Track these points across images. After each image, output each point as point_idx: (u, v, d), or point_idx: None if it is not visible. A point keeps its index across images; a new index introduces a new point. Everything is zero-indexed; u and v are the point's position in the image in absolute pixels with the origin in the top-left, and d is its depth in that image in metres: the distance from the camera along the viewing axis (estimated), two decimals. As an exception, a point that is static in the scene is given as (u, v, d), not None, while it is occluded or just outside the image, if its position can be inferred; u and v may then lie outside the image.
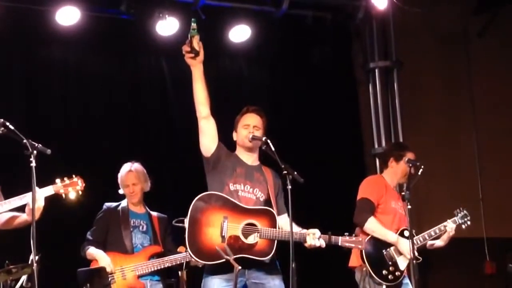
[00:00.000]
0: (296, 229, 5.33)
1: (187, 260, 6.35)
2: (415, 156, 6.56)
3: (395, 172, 6.64)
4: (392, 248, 6.35)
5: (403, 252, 6.30)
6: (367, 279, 6.32)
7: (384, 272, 6.30)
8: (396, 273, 6.33)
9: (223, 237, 5.17)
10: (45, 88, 7.90)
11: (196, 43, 5.28)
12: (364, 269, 6.30)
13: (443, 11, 9.39)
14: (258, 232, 5.25)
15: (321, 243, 5.32)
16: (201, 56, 5.34)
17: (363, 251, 6.19)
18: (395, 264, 6.34)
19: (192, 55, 5.30)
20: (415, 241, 6.31)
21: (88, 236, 6.59)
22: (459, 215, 6.77)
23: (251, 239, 5.24)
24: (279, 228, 5.24)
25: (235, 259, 5.07)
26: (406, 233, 6.39)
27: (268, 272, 5.34)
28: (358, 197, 6.49)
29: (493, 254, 9.09)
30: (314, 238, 5.29)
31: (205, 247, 5.15)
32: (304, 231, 5.34)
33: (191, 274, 6.36)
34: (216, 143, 5.41)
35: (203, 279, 5.32)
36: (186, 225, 5.20)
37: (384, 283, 6.29)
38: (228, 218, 5.21)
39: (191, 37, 5.27)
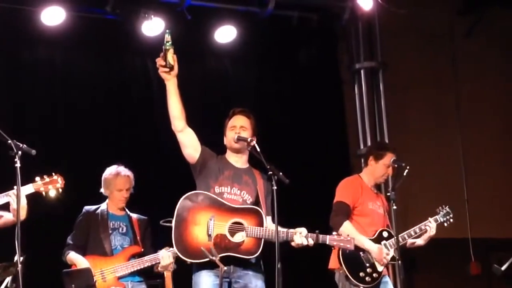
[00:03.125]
0: (282, 229, 5.34)
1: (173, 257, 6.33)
2: (396, 156, 6.56)
3: (373, 171, 6.63)
4: None
5: (376, 261, 6.31)
6: (345, 281, 6.33)
7: (361, 274, 6.29)
8: (374, 275, 6.31)
9: (209, 235, 5.18)
10: (30, 88, 7.86)
11: (171, 57, 5.18)
12: (341, 271, 6.31)
13: (429, 12, 9.42)
14: (244, 231, 5.26)
15: (309, 241, 5.34)
16: (175, 70, 5.25)
17: (340, 253, 6.20)
18: (372, 266, 6.33)
19: (167, 69, 5.21)
20: (394, 241, 6.31)
21: (69, 240, 6.56)
22: (441, 213, 6.76)
23: (238, 238, 5.26)
24: (266, 228, 5.24)
25: (221, 258, 5.10)
26: (385, 234, 6.44)
27: (252, 272, 5.36)
28: (334, 200, 6.49)
29: (478, 255, 9.11)
30: (301, 236, 5.31)
31: (191, 245, 5.17)
32: (291, 230, 5.35)
33: (176, 275, 6.34)
34: (199, 150, 5.42)
35: (193, 276, 5.33)
36: (173, 224, 5.20)
37: (361, 285, 6.28)
38: (215, 216, 5.22)
39: (165, 50, 5.16)
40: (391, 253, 6.37)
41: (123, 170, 6.68)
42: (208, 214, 5.23)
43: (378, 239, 6.40)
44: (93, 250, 6.49)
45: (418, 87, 9.44)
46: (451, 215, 6.80)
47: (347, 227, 6.23)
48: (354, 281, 6.27)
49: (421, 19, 9.38)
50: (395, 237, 6.23)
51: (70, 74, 8.12)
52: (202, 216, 5.22)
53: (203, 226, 5.20)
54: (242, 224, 5.27)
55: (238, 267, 5.31)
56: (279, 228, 5.33)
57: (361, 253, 6.30)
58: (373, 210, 6.52)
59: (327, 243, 5.49)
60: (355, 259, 6.26)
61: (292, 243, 5.36)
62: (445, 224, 6.78)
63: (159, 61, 5.19)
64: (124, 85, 8.41)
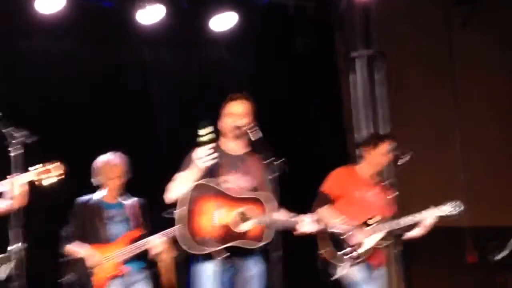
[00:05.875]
0: (287, 216, 5.34)
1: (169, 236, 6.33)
2: (392, 145, 6.63)
3: (369, 161, 6.71)
4: None
5: (350, 240, 6.35)
6: (326, 263, 6.41)
7: (339, 253, 6.35)
8: (354, 254, 6.36)
9: (215, 226, 5.17)
10: (26, 77, 7.83)
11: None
12: (321, 251, 6.37)
13: (426, 1, 9.40)
14: (249, 220, 5.26)
15: (313, 228, 5.35)
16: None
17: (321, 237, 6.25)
18: (353, 246, 6.37)
19: (214, 158, 5.16)
20: (382, 227, 6.41)
21: (63, 233, 6.55)
22: (441, 207, 6.74)
23: (243, 227, 5.25)
24: (271, 216, 5.24)
25: (227, 248, 5.13)
26: (372, 220, 6.47)
27: (255, 260, 5.38)
28: (319, 189, 6.63)
29: (475, 244, 9.12)
30: (305, 224, 5.31)
31: (196, 236, 5.15)
32: (295, 218, 5.36)
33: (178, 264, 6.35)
34: None
35: (194, 266, 5.33)
36: (177, 216, 5.19)
37: (340, 264, 6.33)
38: (220, 207, 5.21)
39: (204, 142, 5.14)
40: (376, 237, 6.41)
41: (113, 159, 6.65)
42: (213, 204, 5.22)
43: (364, 225, 6.45)
44: (90, 240, 6.47)
45: (414, 76, 9.43)
46: (453, 212, 6.75)
47: (320, 213, 6.31)
48: (333, 261, 6.34)
49: (418, 8, 9.37)
50: (384, 223, 6.38)
51: (66, 63, 8.09)
52: (207, 206, 5.22)
53: (209, 217, 5.20)
54: (247, 214, 5.27)
55: (240, 256, 5.32)
56: (283, 216, 5.36)
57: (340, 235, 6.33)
58: (361, 198, 6.59)
59: (328, 230, 5.53)
60: (334, 240, 6.30)
61: (296, 231, 5.37)
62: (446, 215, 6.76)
63: (200, 153, 5.13)
64: (120, 74, 8.38)
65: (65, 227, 6.56)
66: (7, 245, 5.78)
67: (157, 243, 6.35)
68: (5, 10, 7.65)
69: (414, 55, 9.48)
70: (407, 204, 6.80)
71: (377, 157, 6.66)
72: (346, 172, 6.74)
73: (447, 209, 6.69)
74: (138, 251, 6.40)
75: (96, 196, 6.64)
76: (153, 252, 6.39)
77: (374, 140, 6.85)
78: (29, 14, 7.73)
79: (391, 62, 9.32)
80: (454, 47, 9.50)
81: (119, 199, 6.69)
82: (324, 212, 6.39)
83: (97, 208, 6.57)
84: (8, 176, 5.08)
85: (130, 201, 6.72)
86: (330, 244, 6.36)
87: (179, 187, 5.27)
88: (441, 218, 6.71)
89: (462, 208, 6.70)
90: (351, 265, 6.37)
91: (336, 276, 6.36)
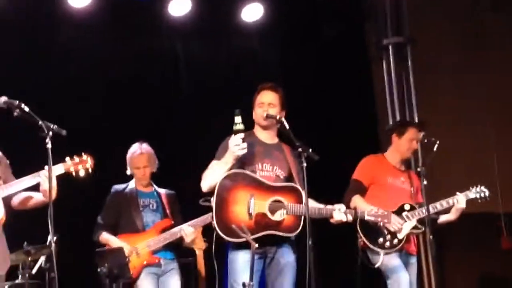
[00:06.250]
0: (320, 205, 5.37)
1: (204, 224, 6.39)
2: (419, 132, 6.68)
3: (397, 147, 6.75)
4: None
5: (389, 227, 6.33)
6: (365, 251, 6.43)
7: (380, 240, 6.36)
8: (394, 241, 6.38)
9: (250, 214, 5.22)
10: (59, 70, 7.89)
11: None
12: (360, 239, 6.36)
13: (457, -14, 9.33)
14: (284, 209, 5.27)
15: (348, 217, 5.38)
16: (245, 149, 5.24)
17: (358, 223, 6.25)
18: (392, 233, 6.38)
19: (244, 147, 5.21)
20: (417, 213, 6.44)
21: (99, 220, 6.64)
22: (474, 189, 6.74)
23: (278, 216, 5.28)
24: (304, 204, 5.24)
25: (262, 236, 5.16)
26: (407, 207, 6.50)
27: (287, 249, 5.40)
28: (351, 178, 6.66)
29: (509, 229, 9.05)
30: (340, 213, 5.35)
31: (231, 224, 5.17)
32: (329, 206, 5.38)
33: (207, 254, 6.38)
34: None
35: (229, 254, 5.37)
36: (213, 204, 5.23)
37: (381, 250, 6.34)
38: (255, 195, 5.25)
39: (237, 131, 5.21)
40: (412, 223, 6.43)
41: (140, 148, 6.74)
42: (248, 193, 5.26)
43: (399, 211, 6.46)
44: (125, 228, 6.57)
45: (446, 62, 9.35)
46: (486, 193, 6.74)
47: (355, 201, 6.36)
48: (374, 248, 6.36)
49: (447, -7, 9.30)
50: (418, 209, 6.42)
51: (97, 55, 8.13)
52: (242, 195, 5.26)
53: (244, 205, 5.23)
54: (282, 202, 5.29)
55: (274, 244, 5.35)
56: (318, 205, 5.40)
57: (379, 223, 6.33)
58: (393, 185, 6.63)
59: (365, 218, 5.55)
60: (373, 228, 6.29)
61: (331, 220, 5.41)
62: (479, 201, 6.75)
63: (236, 140, 5.17)
64: (151, 65, 8.42)
65: (99, 215, 6.65)
66: (44, 236, 5.90)
67: (189, 231, 6.42)
68: (39, 4, 7.73)
69: (445, 41, 9.40)
70: (439, 190, 6.78)
71: (404, 144, 6.70)
72: (376, 159, 6.77)
73: (477, 192, 6.69)
74: (171, 239, 6.47)
75: (131, 184, 6.73)
76: (187, 240, 6.46)
77: (400, 126, 6.93)
78: (62, 8, 7.82)
79: (422, 48, 9.25)
80: (485, 31, 9.40)
81: (154, 188, 6.77)
82: (358, 200, 6.40)
83: (133, 196, 6.67)
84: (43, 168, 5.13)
85: (164, 191, 6.80)
86: (368, 232, 6.36)
87: (214, 175, 5.30)
88: (474, 202, 6.71)
89: (487, 192, 6.70)
90: (389, 252, 6.37)
91: (376, 264, 6.36)
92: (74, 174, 5.46)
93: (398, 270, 6.35)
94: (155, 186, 6.81)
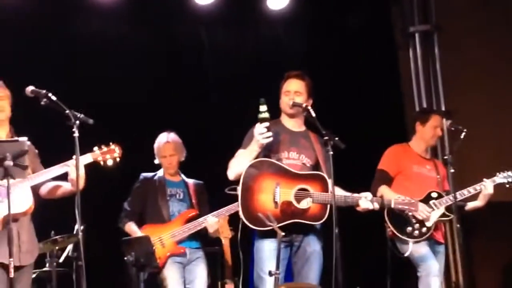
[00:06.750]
0: (346, 193, 5.35)
1: (230, 212, 6.40)
2: (441, 119, 6.80)
3: (422, 135, 6.76)
4: None
5: (417, 216, 6.31)
6: (394, 241, 6.42)
7: (409, 229, 6.36)
8: (423, 229, 6.38)
9: (275, 202, 5.23)
10: (84, 59, 7.92)
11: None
12: (388, 229, 6.36)
13: (483, -28, 9.23)
14: (310, 197, 5.27)
15: (375, 205, 5.37)
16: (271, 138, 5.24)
17: (386, 213, 6.27)
18: (420, 222, 6.37)
19: (270, 136, 5.21)
20: (444, 201, 6.44)
21: (126, 206, 6.67)
22: (501, 175, 6.70)
23: (304, 204, 5.28)
24: (330, 193, 5.23)
25: (288, 224, 5.15)
26: (434, 195, 6.50)
27: (313, 237, 5.39)
28: (377, 168, 6.67)
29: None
30: (367, 201, 5.34)
31: (257, 213, 5.18)
32: (356, 195, 5.37)
33: (233, 243, 6.38)
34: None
35: (255, 242, 5.38)
36: (239, 192, 5.23)
37: (409, 239, 6.34)
38: (281, 183, 5.25)
39: (263, 119, 5.21)
40: (440, 210, 6.42)
41: (165, 137, 6.78)
42: (274, 181, 5.26)
43: (426, 200, 6.45)
44: (151, 218, 6.59)
45: (473, 49, 9.25)
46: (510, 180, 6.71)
47: (381, 191, 6.36)
48: (402, 237, 6.33)
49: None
50: (445, 196, 6.41)
51: (122, 44, 8.16)
52: (267, 183, 5.26)
53: (269, 194, 5.23)
54: (308, 190, 5.28)
55: (300, 232, 5.35)
56: (345, 193, 5.38)
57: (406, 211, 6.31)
58: (419, 173, 6.62)
59: (392, 206, 5.53)
60: (401, 217, 6.28)
61: (358, 208, 5.41)
62: (507, 186, 6.70)
63: (261, 129, 5.17)
64: (177, 53, 8.43)
65: (125, 202, 6.67)
66: (71, 225, 5.94)
67: (213, 221, 6.43)
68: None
69: (472, 28, 9.30)
70: (467, 179, 6.74)
71: (428, 131, 6.70)
72: (401, 148, 6.76)
73: (504, 177, 6.65)
74: (195, 230, 6.49)
75: (160, 173, 6.76)
76: (210, 230, 6.47)
77: (424, 114, 6.94)
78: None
79: (450, 35, 9.18)
80: (511, 17, 9.30)
81: (181, 178, 6.79)
82: (385, 190, 6.38)
83: (161, 185, 6.71)
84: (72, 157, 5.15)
85: (192, 181, 6.82)
86: (396, 221, 6.34)
87: (240, 163, 5.31)
88: (502, 190, 6.67)
89: None
90: (418, 241, 6.35)
91: (405, 253, 6.35)
92: (102, 163, 5.48)
93: (428, 259, 6.34)
94: (183, 175, 6.84)
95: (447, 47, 9.16)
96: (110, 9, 7.94)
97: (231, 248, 6.49)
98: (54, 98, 5.00)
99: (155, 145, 6.83)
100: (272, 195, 5.23)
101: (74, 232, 6.35)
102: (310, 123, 5.49)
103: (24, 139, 5.18)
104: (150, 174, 6.78)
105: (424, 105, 8.93)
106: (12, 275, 4.81)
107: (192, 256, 6.58)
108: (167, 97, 8.18)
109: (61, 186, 5.45)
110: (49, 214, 5.63)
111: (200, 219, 6.50)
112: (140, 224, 6.59)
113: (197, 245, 6.62)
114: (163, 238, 6.45)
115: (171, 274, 6.43)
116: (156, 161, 6.82)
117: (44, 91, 5.02)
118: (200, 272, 6.58)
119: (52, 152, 5.39)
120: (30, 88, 5.06)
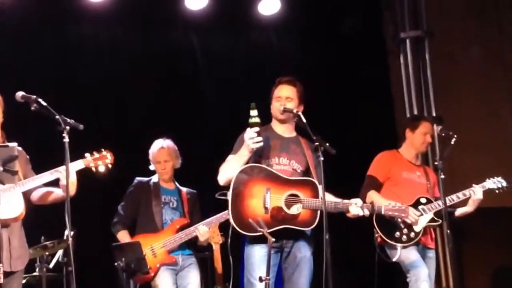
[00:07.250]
0: (336, 199, 5.36)
1: (221, 221, 6.40)
2: (431, 125, 6.72)
3: (411, 142, 6.74)
4: None
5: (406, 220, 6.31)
6: (383, 246, 6.41)
7: (397, 234, 6.35)
8: (411, 234, 6.37)
9: (266, 208, 5.22)
10: (76, 64, 7.92)
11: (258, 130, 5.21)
12: (377, 235, 6.36)
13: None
14: (301, 203, 5.27)
15: (365, 212, 5.37)
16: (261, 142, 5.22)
17: (374, 218, 6.26)
18: (408, 226, 6.36)
19: (260, 141, 5.19)
20: (433, 206, 6.43)
21: (119, 210, 6.65)
22: (490, 180, 6.72)
23: (294, 210, 5.28)
24: (321, 199, 5.24)
25: (278, 230, 5.14)
26: (423, 200, 6.49)
27: (304, 244, 5.38)
28: (367, 174, 6.66)
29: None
30: (357, 207, 5.34)
31: (247, 218, 5.17)
32: (346, 201, 5.37)
33: (223, 249, 6.38)
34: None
35: (246, 248, 5.37)
36: (229, 197, 5.23)
37: (398, 244, 6.33)
38: (271, 189, 5.25)
39: (254, 124, 5.19)
40: (429, 215, 6.42)
41: (160, 143, 6.76)
42: (264, 186, 5.25)
43: (415, 205, 6.44)
44: (144, 224, 6.56)
45: (464, 56, 9.30)
46: (503, 184, 6.71)
47: (371, 196, 6.35)
48: (391, 242, 6.33)
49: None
50: (434, 202, 6.40)
51: (115, 49, 8.16)
52: (258, 189, 5.25)
53: (260, 199, 5.23)
54: (298, 196, 5.28)
55: (291, 238, 5.35)
56: (335, 199, 5.37)
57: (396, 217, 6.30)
58: (408, 179, 6.62)
59: (382, 213, 5.53)
60: (389, 222, 6.28)
61: (348, 214, 5.39)
62: (497, 191, 6.72)
63: (251, 133, 5.17)
64: (169, 59, 8.43)
65: (119, 205, 6.65)
66: (62, 230, 5.93)
67: (203, 231, 6.43)
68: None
69: (463, 35, 9.35)
70: (458, 185, 6.75)
71: (418, 138, 6.70)
72: (390, 155, 6.75)
73: (494, 183, 6.66)
74: (186, 239, 6.48)
75: (154, 178, 6.75)
76: (201, 239, 6.47)
77: (414, 121, 6.91)
78: (79, 1, 7.83)
79: (441, 41, 9.21)
80: (503, 26, 9.34)
81: (176, 185, 6.78)
82: (374, 195, 6.39)
83: (155, 191, 6.67)
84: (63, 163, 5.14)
85: (186, 189, 6.82)
86: (384, 227, 6.35)
87: (230, 169, 5.31)
88: (492, 196, 6.67)
89: (505, 182, 6.67)
90: (407, 246, 6.36)
91: (394, 258, 6.35)
92: (94, 169, 5.46)
93: (417, 265, 6.33)
94: (177, 183, 6.82)
95: (438, 53, 9.20)
96: (103, 14, 7.94)
97: (221, 254, 6.49)
98: (44, 103, 4.98)
99: (150, 151, 6.80)
100: (263, 200, 5.23)
101: (64, 237, 6.34)
102: (301, 128, 5.49)
103: (14, 144, 5.16)
104: (145, 179, 6.76)
105: (415, 111, 8.97)
106: (1, 280, 4.79)
107: (185, 262, 6.56)
108: (159, 102, 8.18)
109: (52, 192, 5.42)
110: (39, 219, 5.61)
111: (191, 228, 6.49)
112: (132, 229, 6.58)
113: (190, 251, 6.61)
114: (155, 247, 6.42)
115: (162, 281, 6.41)
116: (151, 167, 6.80)
117: (34, 97, 5.00)
118: (193, 278, 6.56)
119: (44, 158, 5.37)
120: (20, 93, 5.04)
